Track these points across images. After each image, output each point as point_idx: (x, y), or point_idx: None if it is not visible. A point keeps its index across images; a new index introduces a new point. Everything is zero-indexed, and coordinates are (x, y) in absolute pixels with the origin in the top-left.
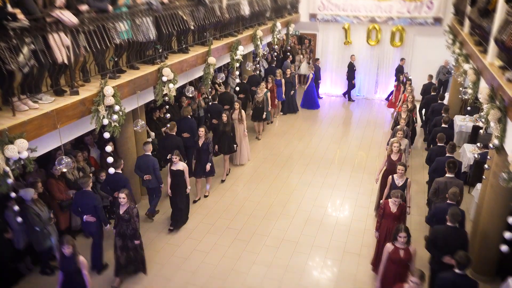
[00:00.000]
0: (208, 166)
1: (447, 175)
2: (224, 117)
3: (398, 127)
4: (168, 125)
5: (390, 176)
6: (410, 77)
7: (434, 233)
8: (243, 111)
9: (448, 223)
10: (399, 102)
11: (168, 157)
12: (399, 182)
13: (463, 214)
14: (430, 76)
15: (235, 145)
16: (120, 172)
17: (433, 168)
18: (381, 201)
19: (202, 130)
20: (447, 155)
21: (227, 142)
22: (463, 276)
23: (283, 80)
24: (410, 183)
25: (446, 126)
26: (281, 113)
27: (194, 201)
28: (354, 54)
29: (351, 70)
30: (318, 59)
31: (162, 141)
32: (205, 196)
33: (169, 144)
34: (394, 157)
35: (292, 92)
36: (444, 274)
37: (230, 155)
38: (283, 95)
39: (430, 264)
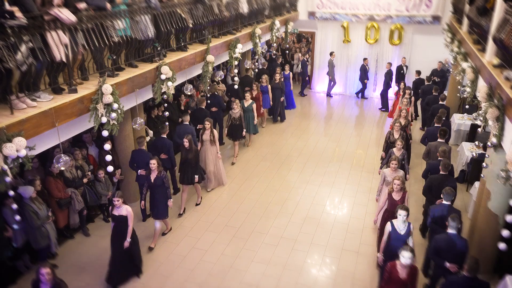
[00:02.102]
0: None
1: (438, 140)
2: (186, 143)
3: (394, 151)
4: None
5: (389, 223)
6: (408, 85)
7: (430, 180)
8: (215, 131)
9: (441, 172)
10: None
11: (198, 127)
12: (401, 229)
13: (453, 166)
14: (428, 78)
15: (196, 176)
16: (165, 137)
17: (424, 137)
18: (378, 254)
19: (154, 163)
20: (436, 125)
21: (190, 171)
22: (449, 206)
23: (269, 86)
24: (413, 230)
25: (444, 103)
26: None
27: (150, 248)
28: (353, 52)
29: (399, 74)
30: (366, 59)
31: (193, 113)
32: (163, 234)
33: (199, 116)
34: (396, 196)
35: (282, 99)
36: (435, 206)
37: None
38: (271, 102)
39: (424, 207)
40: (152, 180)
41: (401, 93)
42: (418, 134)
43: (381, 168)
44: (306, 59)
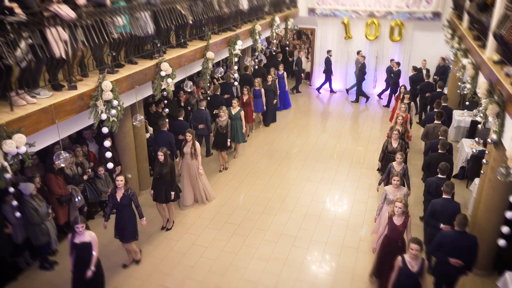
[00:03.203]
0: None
1: (435, 122)
2: (161, 156)
3: (394, 165)
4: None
5: (399, 258)
6: (407, 89)
7: (429, 157)
8: (197, 143)
9: (440, 151)
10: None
11: (214, 112)
12: (413, 265)
13: (451, 145)
14: (427, 76)
15: (173, 193)
16: (203, 108)
17: (424, 120)
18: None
19: (121, 179)
20: (435, 110)
21: (164, 188)
22: (443, 179)
23: (262, 90)
24: (427, 266)
25: (441, 90)
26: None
27: (125, 266)
28: (353, 49)
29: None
30: (393, 60)
31: (211, 100)
32: (136, 262)
33: (215, 102)
34: (398, 220)
35: (275, 101)
36: (431, 179)
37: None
38: (264, 106)
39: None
40: (119, 199)
41: (401, 97)
42: (418, 136)
43: (379, 184)
44: (329, 56)
